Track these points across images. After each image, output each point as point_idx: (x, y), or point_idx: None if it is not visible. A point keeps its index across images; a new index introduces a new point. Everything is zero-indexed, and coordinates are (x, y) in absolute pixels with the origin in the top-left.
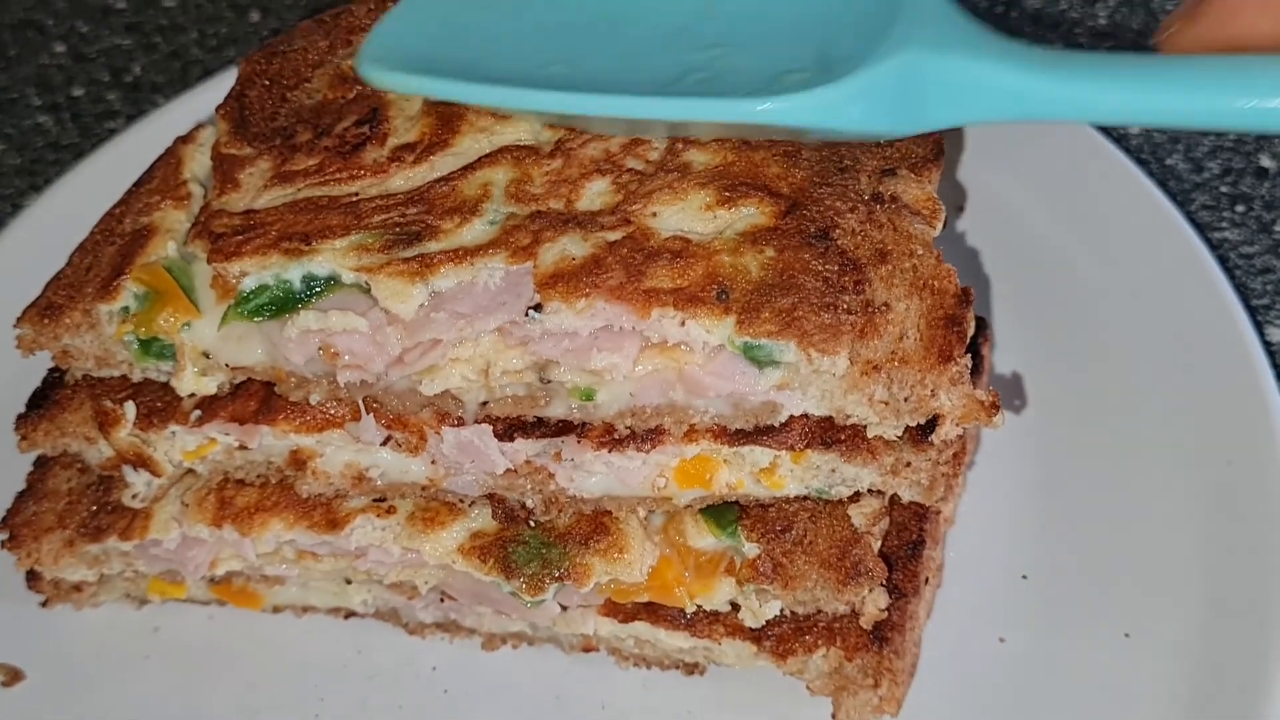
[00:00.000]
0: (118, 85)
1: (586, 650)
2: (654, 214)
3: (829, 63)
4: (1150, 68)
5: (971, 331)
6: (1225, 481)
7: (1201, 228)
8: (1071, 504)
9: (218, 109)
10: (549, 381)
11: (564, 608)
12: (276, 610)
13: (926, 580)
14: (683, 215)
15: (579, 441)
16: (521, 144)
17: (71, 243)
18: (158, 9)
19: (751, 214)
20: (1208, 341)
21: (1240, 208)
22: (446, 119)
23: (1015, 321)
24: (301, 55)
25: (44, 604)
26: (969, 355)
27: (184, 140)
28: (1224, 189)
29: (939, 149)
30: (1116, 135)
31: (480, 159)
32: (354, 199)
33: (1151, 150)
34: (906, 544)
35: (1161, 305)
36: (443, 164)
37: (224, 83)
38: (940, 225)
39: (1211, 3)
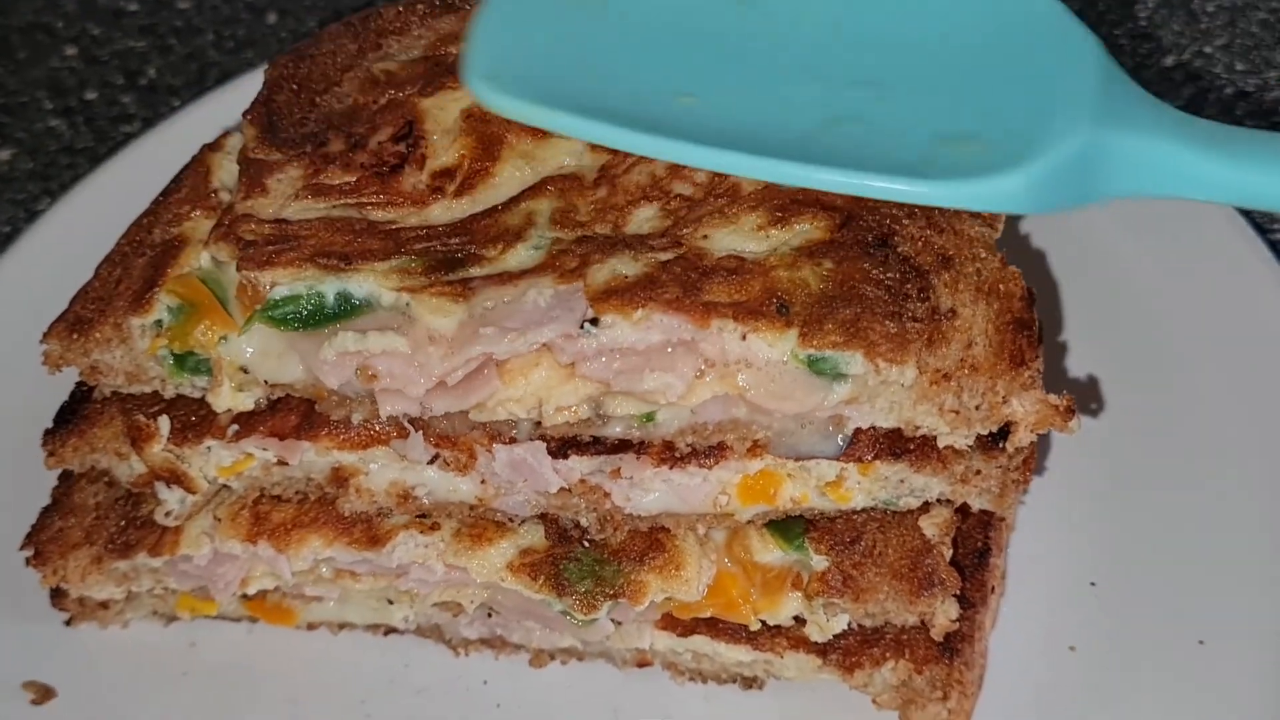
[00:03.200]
0: (132, 88)
1: (640, 665)
2: (705, 236)
3: (992, 121)
4: None
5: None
6: None
7: (1263, 230)
8: (1139, 508)
9: (245, 114)
10: (604, 416)
11: (617, 624)
12: (311, 627)
13: (993, 589)
14: (735, 237)
15: (638, 459)
16: (564, 172)
17: (91, 250)
18: (172, 11)
19: (806, 230)
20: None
21: None
22: (486, 141)
23: (1083, 325)
24: (330, 59)
25: (68, 622)
26: (1040, 359)
27: (211, 148)
28: None
29: None
30: None
31: (523, 192)
32: (393, 226)
33: None
34: (972, 552)
35: (1231, 310)
36: (484, 197)
37: (242, 85)
38: (1001, 227)
39: None
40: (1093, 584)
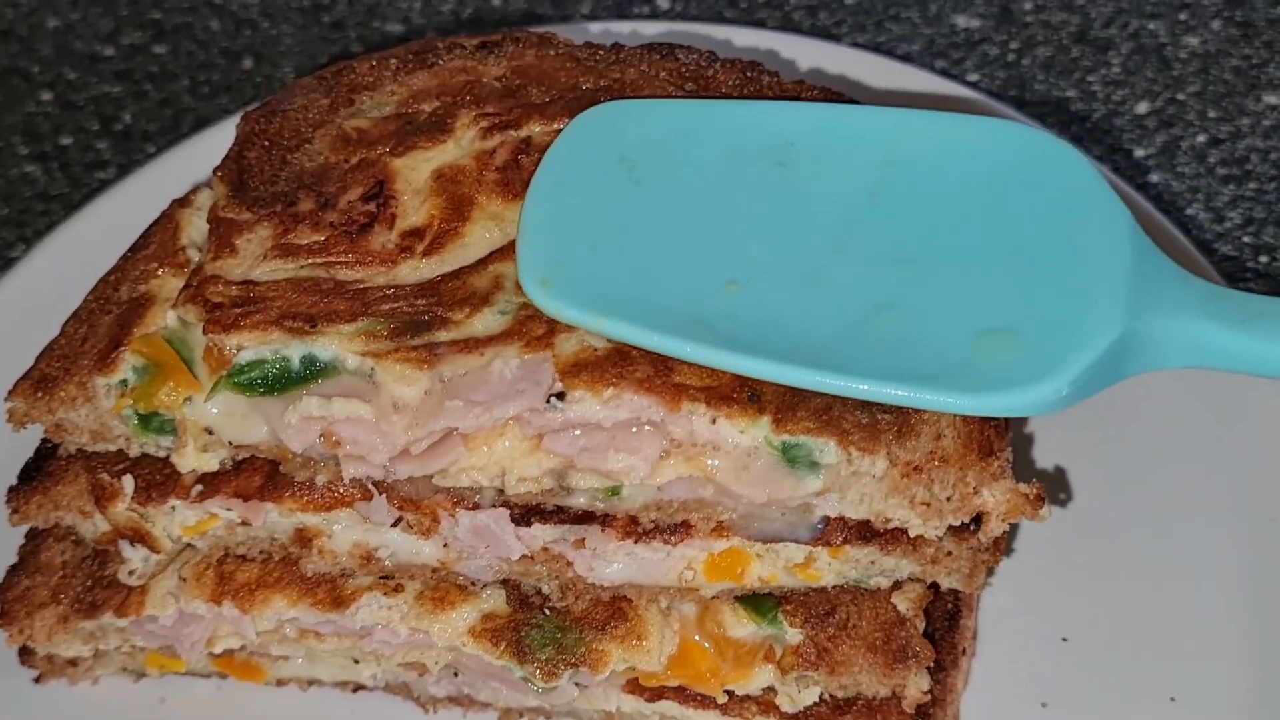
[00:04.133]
0: (108, 134)
1: None
2: None
3: (1030, 311)
4: None
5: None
6: (1269, 540)
7: (1228, 278)
8: (1112, 564)
9: (215, 170)
10: (568, 488)
11: (582, 687)
12: (280, 683)
13: (964, 650)
14: None
15: (602, 531)
16: None
17: (64, 300)
18: (148, 56)
19: None
20: (1244, 397)
21: (1264, 258)
22: (456, 202)
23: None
24: (302, 114)
25: (37, 680)
26: (1009, 449)
27: (181, 204)
28: (1246, 239)
29: None
30: (1138, 183)
31: (491, 254)
32: (360, 286)
33: (1171, 199)
34: (943, 615)
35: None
36: (453, 257)
37: (217, 133)
38: None
39: None
40: (1064, 640)
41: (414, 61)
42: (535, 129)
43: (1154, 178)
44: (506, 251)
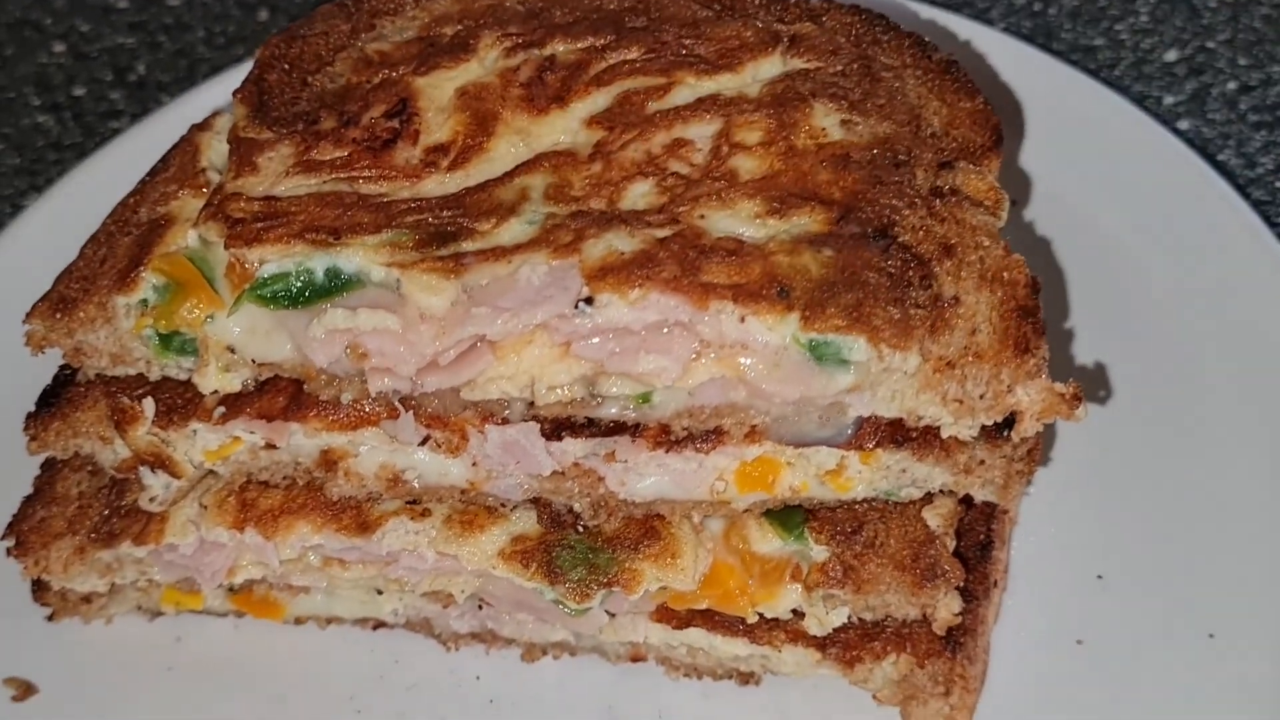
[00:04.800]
0: (121, 84)
1: (634, 660)
2: (702, 216)
3: None
4: None
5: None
6: None
7: (1269, 218)
8: (1147, 498)
9: (235, 93)
10: (599, 396)
11: (611, 615)
12: (299, 622)
13: (996, 583)
14: (732, 220)
15: (633, 442)
16: (559, 149)
17: (77, 242)
18: (161, 7)
19: (804, 223)
20: None
21: None
22: (481, 118)
23: (1090, 312)
24: (322, 39)
25: (50, 618)
26: (1044, 347)
27: (200, 128)
28: (1278, 184)
29: (998, 137)
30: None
31: (518, 167)
32: (384, 199)
33: (1202, 146)
34: (975, 545)
35: (1240, 298)
36: (478, 172)
37: (235, 79)
38: (1005, 215)
39: None
40: (1099, 577)
41: None
42: (559, 47)
43: (1184, 124)
44: (533, 165)
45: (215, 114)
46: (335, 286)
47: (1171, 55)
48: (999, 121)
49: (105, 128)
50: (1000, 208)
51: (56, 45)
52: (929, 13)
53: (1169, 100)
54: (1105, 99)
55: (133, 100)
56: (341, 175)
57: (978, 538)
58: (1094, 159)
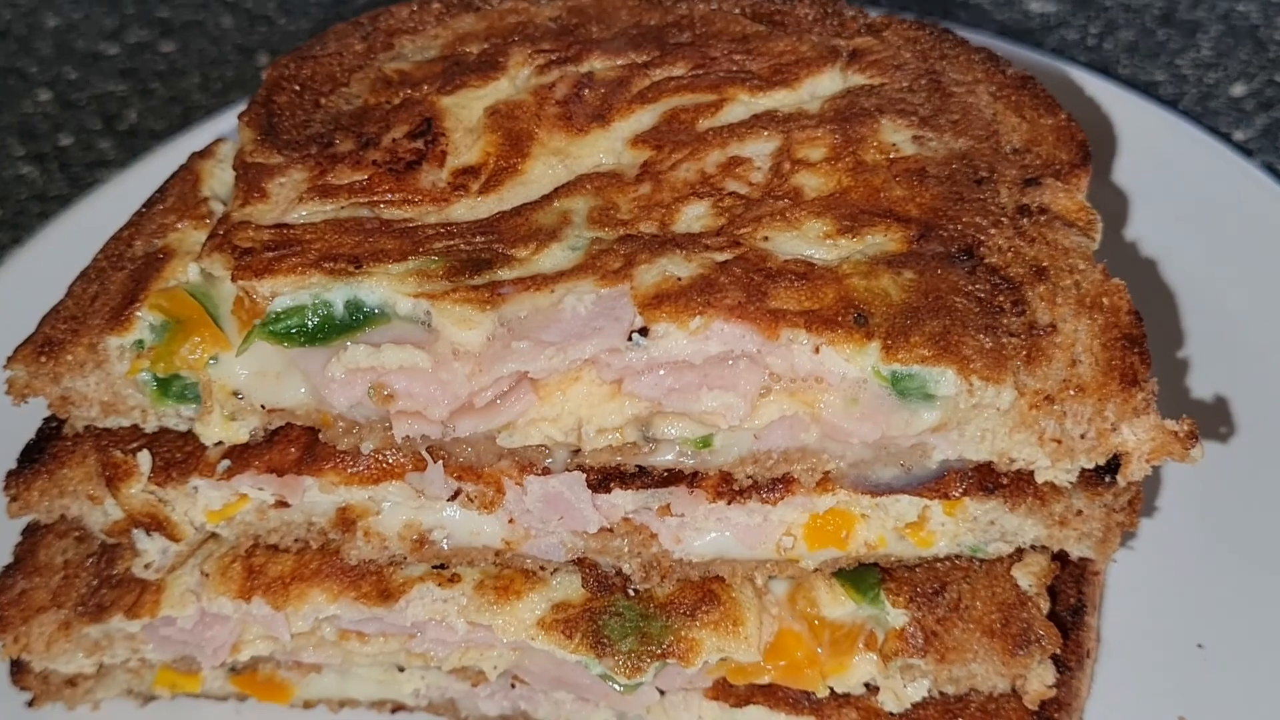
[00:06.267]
0: (111, 133)
1: None
2: (765, 238)
3: None
4: None
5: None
6: None
7: None
8: (1249, 560)
9: (240, 116)
10: (653, 441)
11: (662, 692)
12: (308, 706)
13: (1088, 652)
14: (799, 242)
15: (690, 493)
16: (602, 170)
17: (63, 287)
18: (155, 54)
19: (879, 242)
20: None
21: None
22: (514, 138)
23: (1205, 341)
24: (335, 59)
25: (31, 703)
26: (1154, 380)
27: (201, 155)
28: None
29: (1085, 153)
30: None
31: (557, 190)
32: (409, 224)
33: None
34: (1066, 610)
35: None
36: (513, 195)
37: (230, 118)
38: (1098, 236)
39: None
40: (1200, 646)
41: (459, 5)
42: (597, 64)
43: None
44: (574, 187)
45: (218, 140)
46: (356, 321)
47: (1239, 90)
48: (1086, 138)
49: (93, 178)
50: (1094, 228)
51: (42, 93)
52: (981, 40)
53: (1239, 135)
54: (1177, 127)
55: (123, 149)
56: (361, 200)
57: (1069, 602)
58: (1166, 187)
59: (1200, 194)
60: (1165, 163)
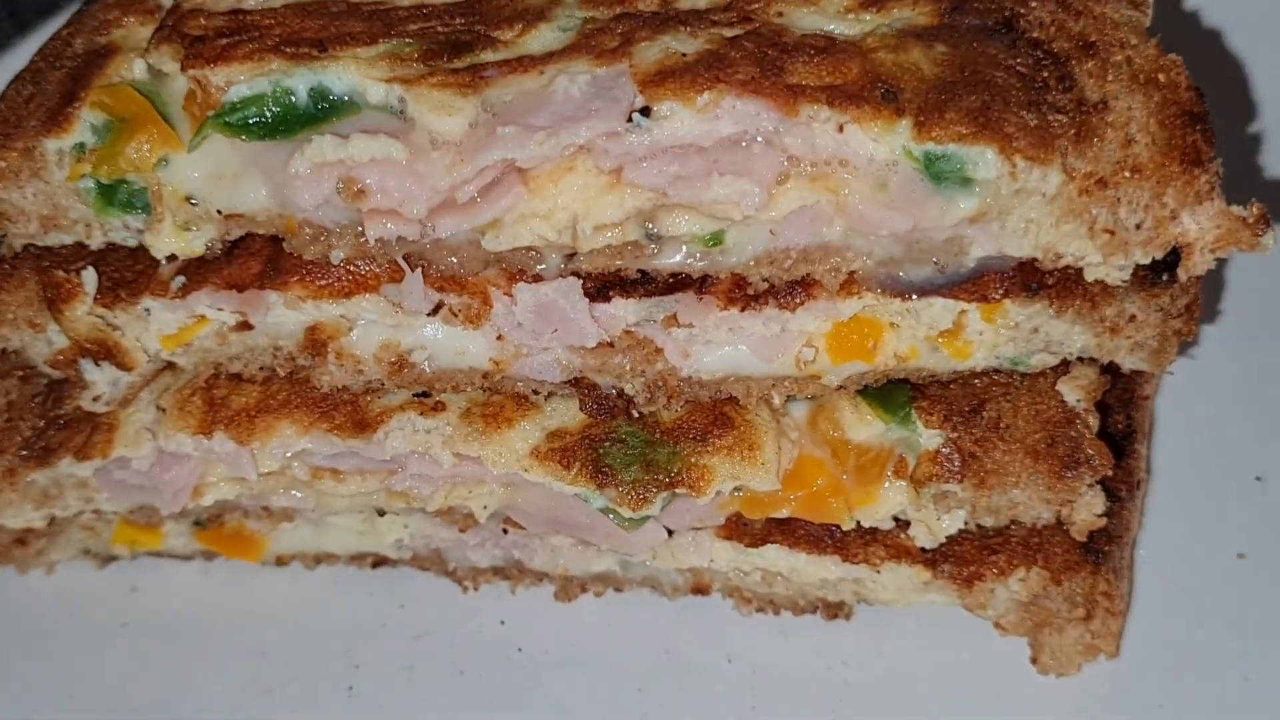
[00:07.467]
0: None
1: (696, 592)
2: (779, 13)
3: None
4: None
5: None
6: None
7: None
8: None
9: None
10: (657, 239)
11: (670, 532)
12: (280, 562)
13: (1139, 482)
14: (818, 16)
15: (699, 300)
16: None
17: None
18: None
19: (907, 16)
20: None
21: None
22: None
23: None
24: None
25: None
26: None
27: None
28: None
29: None
30: None
31: None
32: (379, 6)
33: None
34: (1114, 435)
35: None
36: None
37: None
38: (1149, 9)
39: None
40: (1258, 479)
41: None
42: None
43: None
44: None
45: None
46: (322, 111)
47: None
48: None
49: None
50: (1145, 2)
51: None
52: None
53: None
54: None
55: None
56: None
57: (1116, 425)
58: None
59: None
60: None
